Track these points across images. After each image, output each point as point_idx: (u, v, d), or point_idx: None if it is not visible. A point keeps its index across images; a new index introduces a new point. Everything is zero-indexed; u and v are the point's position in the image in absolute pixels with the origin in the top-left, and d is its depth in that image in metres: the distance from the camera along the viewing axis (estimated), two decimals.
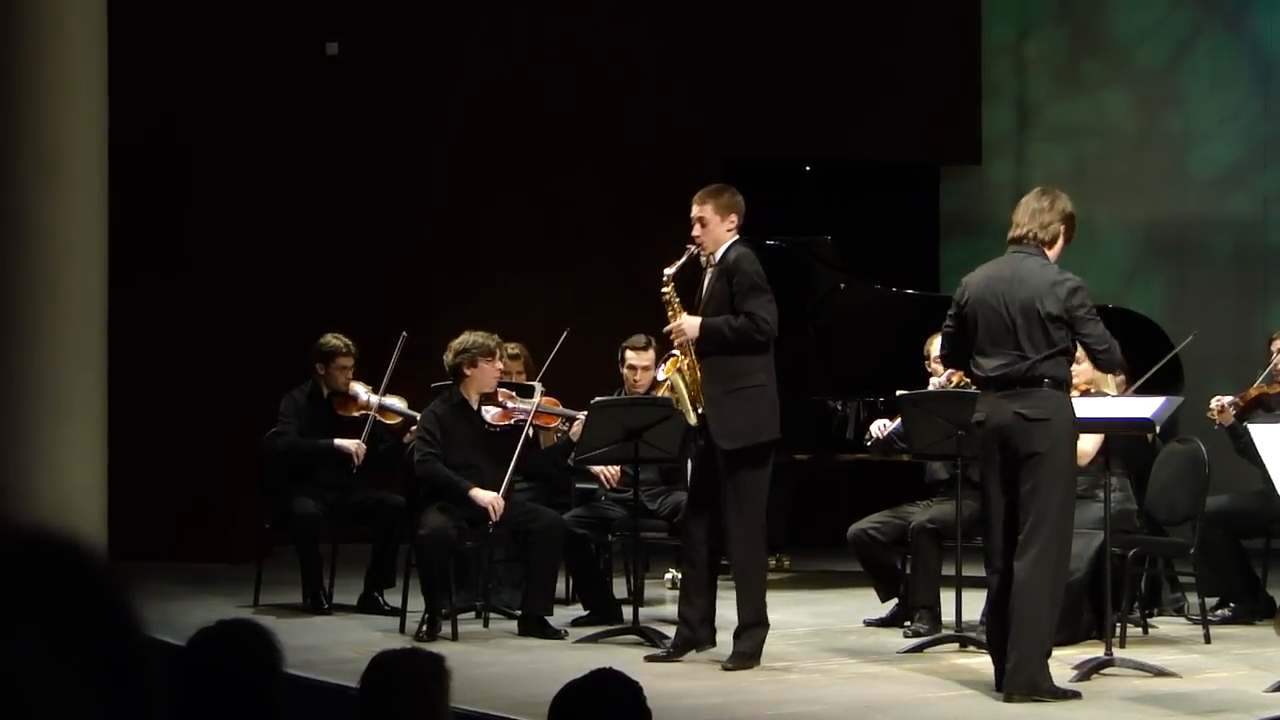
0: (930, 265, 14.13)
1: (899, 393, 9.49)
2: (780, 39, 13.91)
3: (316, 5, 13.07)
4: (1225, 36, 14.20)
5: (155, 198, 12.24)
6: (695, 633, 8.32)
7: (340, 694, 6.90)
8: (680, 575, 8.54)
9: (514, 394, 9.60)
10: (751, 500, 8.17)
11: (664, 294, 8.30)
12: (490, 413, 9.42)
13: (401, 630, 9.17)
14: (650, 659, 8.31)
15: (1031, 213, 7.56)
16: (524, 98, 13.30)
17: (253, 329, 12.47)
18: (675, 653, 8.32)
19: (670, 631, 8.58)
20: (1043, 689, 7.30)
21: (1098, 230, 13.98)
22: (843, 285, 11.54)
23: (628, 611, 9.16)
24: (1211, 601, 9.47)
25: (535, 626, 9.07)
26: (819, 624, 9.71)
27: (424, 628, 8.97)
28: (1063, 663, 7.68)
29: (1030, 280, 7.43)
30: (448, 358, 9.37)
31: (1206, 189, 14.13)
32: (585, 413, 9.20)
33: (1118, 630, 8.50)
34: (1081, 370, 8.66)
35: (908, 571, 9.50)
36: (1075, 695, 7.41)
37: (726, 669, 8.11)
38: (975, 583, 8.75)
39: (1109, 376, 8.97)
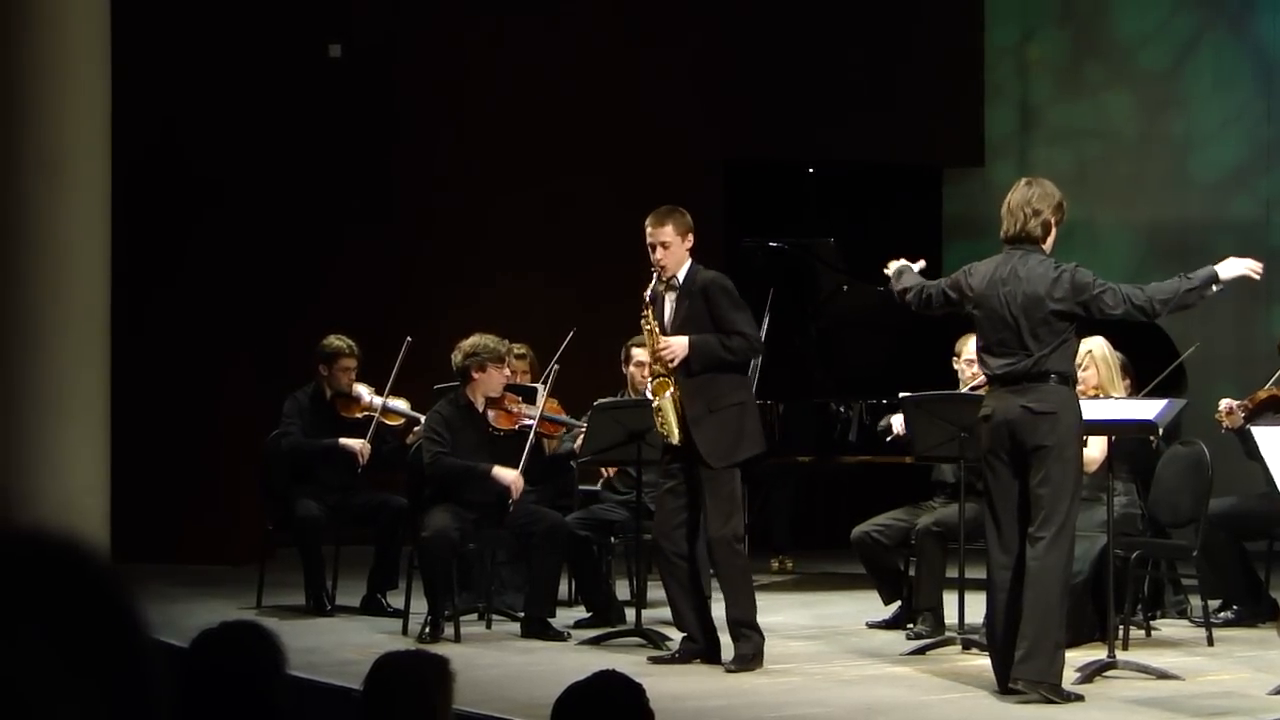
0: (933, 267, 14.10)
1: (901, 394, 9.48)
2: (783, 41, 13.91)
3: (319, 8, 13.07)
4: (1228, 39, 14.19)
5: (158, 201, 12.25)
6: (697, 643, 8.33)
7: (342, 696, 6.91)
8: (668, 594, 8.51)
9: (519, 398, 9.61)
10: (730, 506, 8.23)
11: (644, 317, 8.32)
12: (494, 416, 9.43)
13: (404, 632, 9.16)
14: (653, 660, 8.31)
15: (1021, 207, 7.58)
16: (526, 99, 13.31)
17: (255, 331, 12.48)
18: (680, 658, 8.33)
19: (672, 633, 8.59)
20: (1049, 682, 7.29)
21: (1100, 232, 13.99)
22: (845, 287, 11.54)
23: (630, 613, 9.16)
24: (1214, 604, 9.47)
25: (538, 628, 9.07)
26: (822, 626, 9.71)
27: (426, 629, 8.97)
28: (1066, 665, 7.67)
29: (1030, 278, 7.46)
30: (456, 359, 9.36)
31: (1209, 192, 14.13)
32: (588, 423, 9.22)
33: (1120, 632, 8.49)
34: (1087, 376, 8.67)
35: (910, 574, 9.50)
36: (1078, 698, 7.41)
37: (729, 671, 8.12)
38: (978, 585, 8.74)
39: (1116, 380, 8.97)
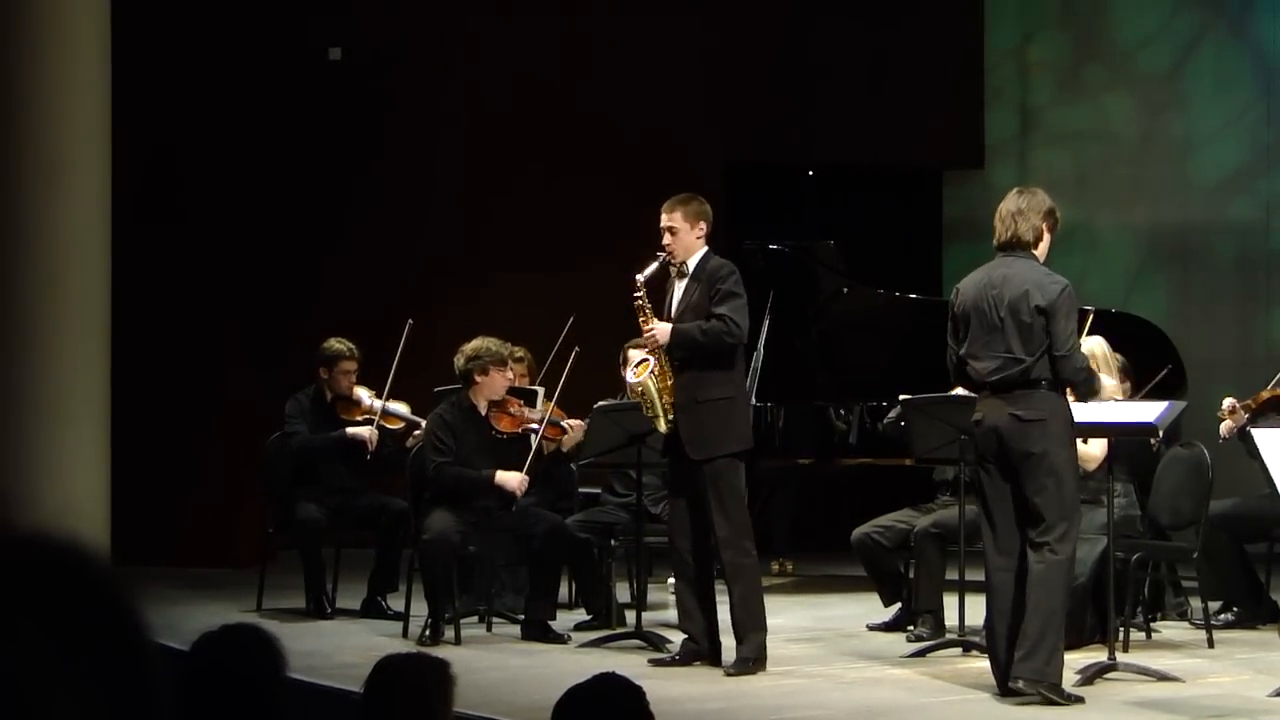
0: (932, 270, 14.13)
1: (902, 396, 9.49)
2: (783, 43, 13.91)
3: (319, 11, 13.08)
4: (1228, 41, 14.19)
5: (158, 203, 12.25)
6: (700, 645, 8.32)
7: (343, 699, 6.91)
8: (674, 590, 8.53)
9: (521, 402, 9.61)
10: (734, 506, 8.21)
11: (636, 298, 8.31)
12: (497, 419, 9.42)
13: (404, 635, 9.16)
14: (653, 663, 8.31)
15: (1012, 215, 7.60)
16: (526, 101, 13.31)
17: (255, 333, 12.48)
18: (681, 660, 8.33)
19: (672, 635, 8.59)
20: (1049, 681, 7.30)
21: (1100, 235, 13.99)
22: (845, 290, 11.53)
23: (630, 616, 9.16)
24: (1214, 606, 9.47)
25: (538, 631, 9.07)
26: (822, 628, 9.71)
27: (427, 633, 8.97)
28: (1067, 667, 7.67)
29: (1017, 279, 7.48)
30: (459, 362, 9.37)
31: (1209, 194, 14.13)
32: (588, 426, 9.23)
33: (1121, 634, 8.50)
34: None
35: (911, 576, 9.50)
36: (1078, 700, 7.41)
37: (729, 674, 8.11)
38: (978, 587, 8.74)
39: (1117, 384, 8.97)
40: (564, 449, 9.84)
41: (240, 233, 12.53)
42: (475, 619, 9.43)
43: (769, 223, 12.73)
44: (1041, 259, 7.62)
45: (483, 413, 9.39)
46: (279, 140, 12.73)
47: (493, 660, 8.57)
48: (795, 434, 10.92)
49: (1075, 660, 7.94)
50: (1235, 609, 9.64)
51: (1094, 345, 8.98)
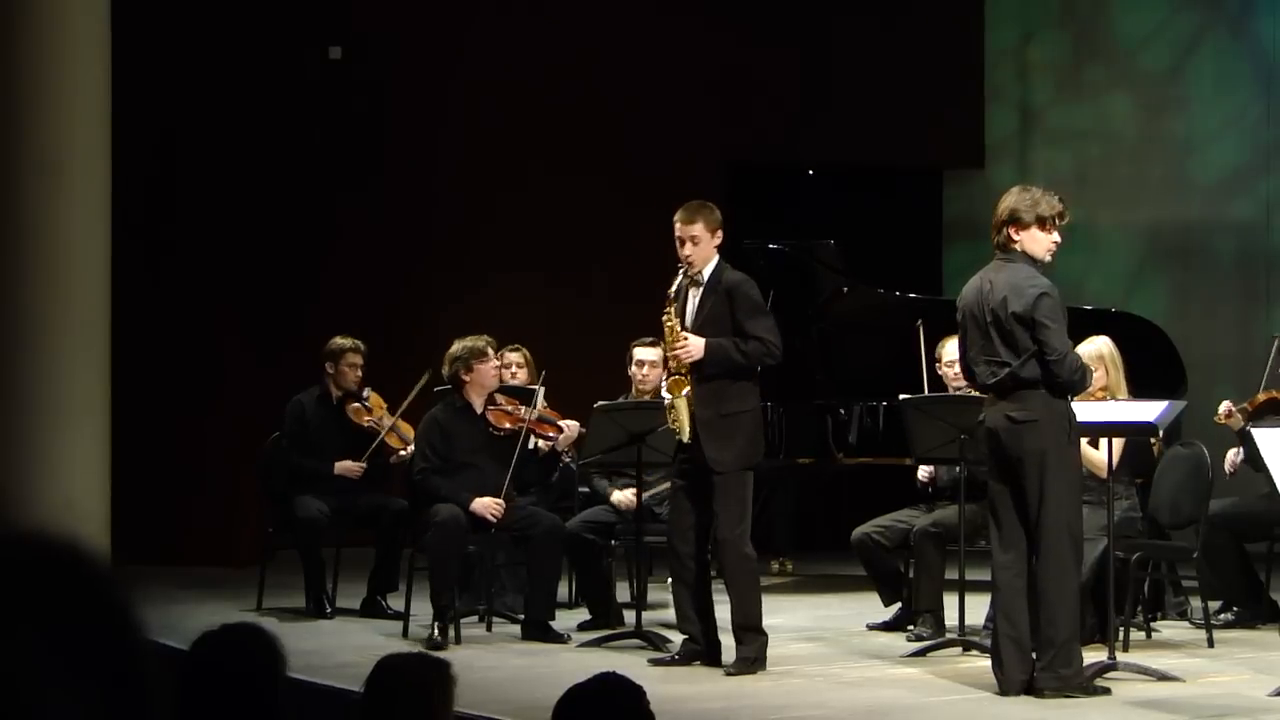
0: (933, 269, 14.13)
1: (902, 396, 9.49)
2: (784, 43, 13.91)
3: (319, 10, 13.07)
4: (1228, 40, 14.19)
5: (158, 202, 12.25)
6: (697, 644, 8.32)
7: (343, 698, 6.91)
8: (672, 593, 8.52)
9: (515, 399, 9.61)
10: (740, 512, 8.21)
11: (666, 312, 8.26)
12: (494, 417, 9.43)
13: (405, 634, 9.16)
14: (653, 663, 8.31)
15: (1001, 215, 7.64)
16: (526, 102, 13.31)
17: (255, 332, 12.48)
18: (680, 660, 8.33)
19: (672, 635, 8.58)
20: (1075, 683, 7.36)
21: (1100, 234, 13.98)
22: (845, 289, 11.53)
23: (630, 616, 9.15)
24: (1214, 605, 9.47)
25: (538, 631, 9.07)
26: (822, 628, 9.71)
27: (436, 635, 8.88)
28: None
29: (1000, 285, 7.51)
30: (445, 370, 9.42)
31: (1209, 193, 14.13)
32: (588, 426, 9.21)
33: (1121, 634, 8.49)
34: (1098, 377, 8.67)
35: (911, 575, 9.50)
36: (1105, 691, 7.48)
37: (730, 673, 8.11)
38: (978, 587, 8.75)
39: (1122, 382, 8.97)
40: (559, 447, 9.84)
41: (240, 232, 12.53)
42: (475, 618, 9.43)
43: (769, 222, 12.72)
44: (1038, 255, 7.60)
45: (478, 410, 9.40)
46: (279, 140, 12.73)
47: (493, 660, 8.57)
48: (795, 434, 10.91)
49: None
50: (1235, 608, 9.64)
51: (1101, 346, 8.99)
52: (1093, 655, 8.01)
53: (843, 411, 10.94)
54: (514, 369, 10.18)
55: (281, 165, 12.72)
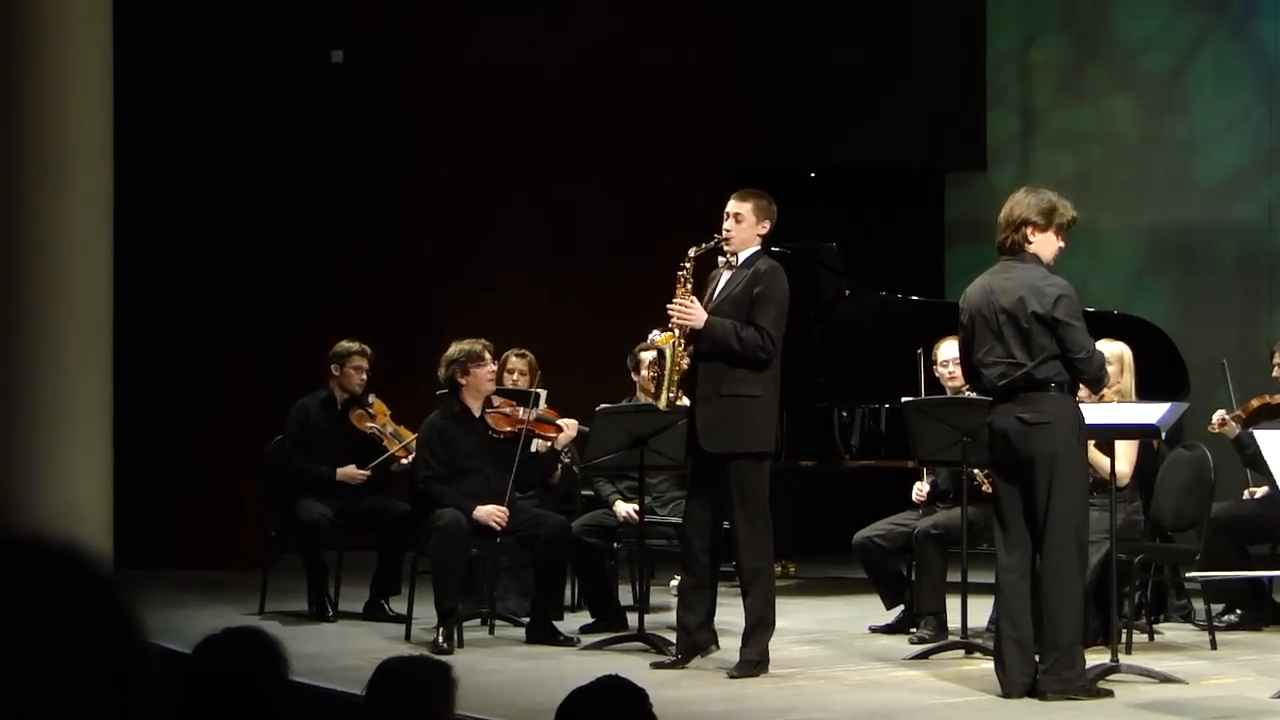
0: (935, 271, 14.14)
1: (904, 399, 9.49)
2: (785, 46, 13.91)
3: (321, 13, 13.08)
4: (1230, 42, 14.18)
5: (160, 206, 12.25)
6: (694, 637, 8.31)
7: (345, 702, 6.90)
8: (679, 585, 8.53)
9: (514, 401, 9.61)
10: (756, 507, 8.17)
11: (682, 268, 8.27)
12: (493, 419, 9.43)
13: (407, 638, 9.16)
14: (656, 666, 8.30)
15: (1007, 216, 7.63)
16: (529, 104, 13.31)
17: (258, 336, 12.48)
18: (681, 660, 8.32)
19: (674, 638, 8.58)
20: (1078, 686, 7.37)
21: (1102, 236, 13.98)
22: (848, 292, 11.54)
23: (634, 618, 9.15)
24: (1217, 608, 9.47)
25: (541, 633, 9.06)
26: (824, 630, 9.70)
27: (439, 640, 8.88)
28: None
29: (1014, 285, 7.49)
30: (441, 374, 9.42)
31: (1211, 195, 14.12)
32: (591, 429, 9.21)
33: (1124, 636, 8.49)
34: (1113, 379, 8.67)
35: (913, 578, 9.50)
36: (1108, 694, 7.47)
37: (732, 676, 8.10)
38: (980, 589, 8.75)
39: (1133, 388, 8.98)
40: (559, 447, 9.83)
41: (242, 236, 12.53)
42: (478, 621, 9.42)
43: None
44: (1046, 258, 7.61)
45: (477, 413, 9.40)
46: (282, 144, 12.73)
47: (495, 662, 8.57)
48: (798, 436, 10.91)
49: None
50: (1238, 610, 9.63)
51: (1121, 349, 9.03)
52: (1096, 657, 8.01)
53: (845, 414, 10.94)
54: (516, 375, 10.18)
55: (285, 170, 12.71)
